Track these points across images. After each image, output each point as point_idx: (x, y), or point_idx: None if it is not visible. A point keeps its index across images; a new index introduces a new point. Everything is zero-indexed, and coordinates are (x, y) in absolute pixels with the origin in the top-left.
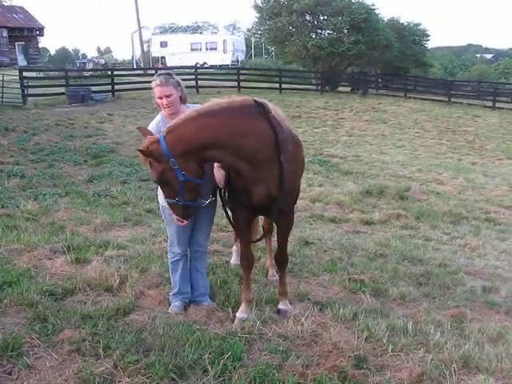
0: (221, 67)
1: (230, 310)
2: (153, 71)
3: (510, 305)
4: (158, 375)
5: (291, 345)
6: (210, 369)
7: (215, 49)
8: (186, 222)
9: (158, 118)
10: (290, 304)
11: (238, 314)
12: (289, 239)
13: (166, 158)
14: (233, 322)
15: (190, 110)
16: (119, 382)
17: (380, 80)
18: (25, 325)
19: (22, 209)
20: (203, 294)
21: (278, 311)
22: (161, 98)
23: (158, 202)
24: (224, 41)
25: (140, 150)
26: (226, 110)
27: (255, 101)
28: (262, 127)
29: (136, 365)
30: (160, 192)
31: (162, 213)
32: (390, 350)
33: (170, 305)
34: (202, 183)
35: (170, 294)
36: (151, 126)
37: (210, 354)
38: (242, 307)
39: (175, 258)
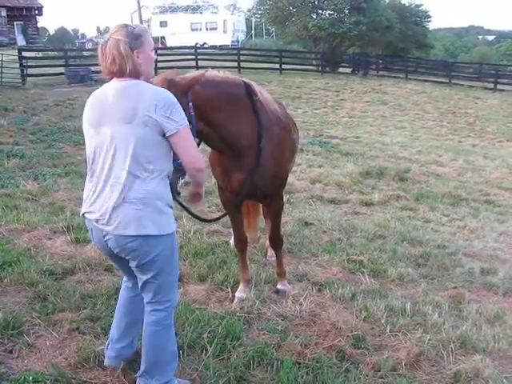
0: (221, 47)
1: (229, 289)
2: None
3: (508, 286)
4: None
5: (290, 324)
6: (208, 348)
7: (215, 29)
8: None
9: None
10: (289, 284)
11: (237, 294)
12: (288, 220)
13: (187, 100)
14: (232, 301)
15: (212, 72)
16: None
17: (381, 61)
18: (25, 304)
19: (22, 189)
20: None
21: (277, 291)
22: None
23: None
24: (224, 21)
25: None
26: (224, 84)
27: (243, 81)
28: (248, 111)
29: None
30: None
31: None
32: (388, 331)
33: None
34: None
35: None
36: None
37: (209, 333)
38: (241, 287)
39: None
